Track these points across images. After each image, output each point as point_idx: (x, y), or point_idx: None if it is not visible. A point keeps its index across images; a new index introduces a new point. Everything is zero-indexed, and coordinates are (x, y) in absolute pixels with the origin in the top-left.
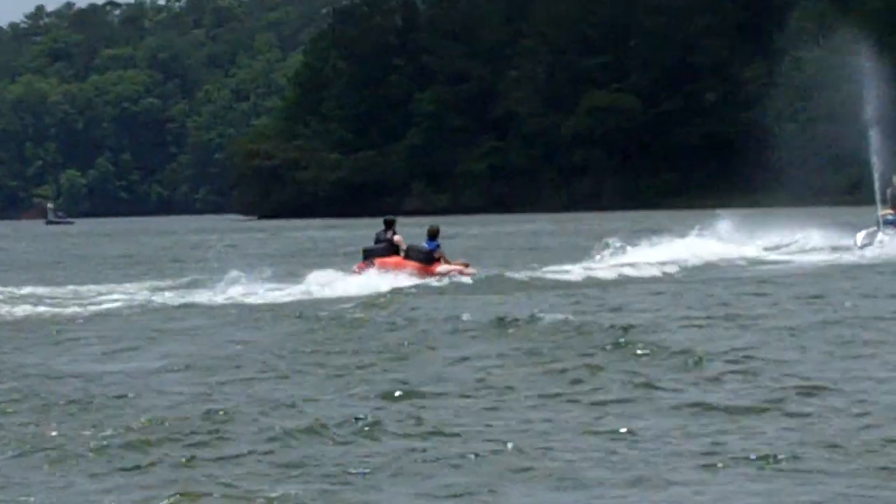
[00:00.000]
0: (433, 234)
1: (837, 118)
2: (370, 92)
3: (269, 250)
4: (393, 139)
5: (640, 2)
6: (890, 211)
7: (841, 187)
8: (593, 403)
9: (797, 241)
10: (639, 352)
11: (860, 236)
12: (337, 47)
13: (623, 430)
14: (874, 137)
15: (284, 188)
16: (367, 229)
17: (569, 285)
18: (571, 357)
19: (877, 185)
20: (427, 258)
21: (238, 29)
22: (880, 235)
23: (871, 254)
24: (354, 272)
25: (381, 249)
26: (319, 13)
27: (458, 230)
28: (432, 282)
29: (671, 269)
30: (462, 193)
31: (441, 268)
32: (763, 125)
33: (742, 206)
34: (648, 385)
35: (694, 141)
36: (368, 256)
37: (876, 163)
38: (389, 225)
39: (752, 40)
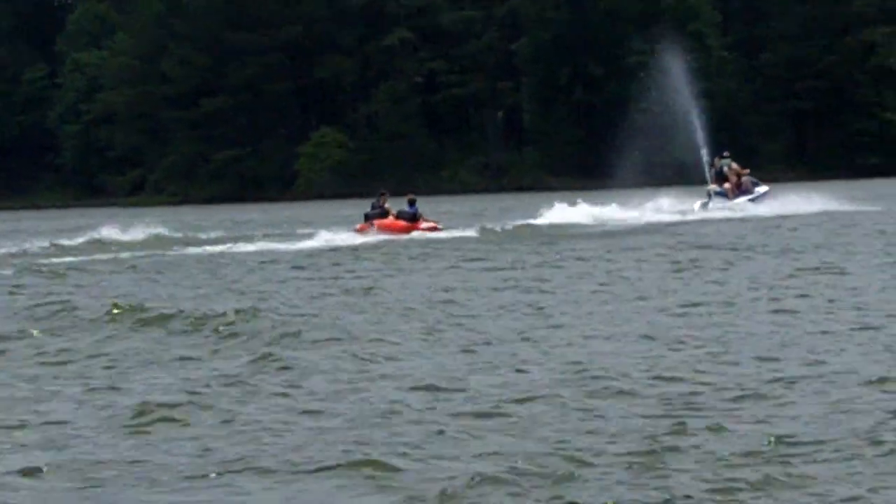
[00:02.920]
0: (412, 201)
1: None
2: None
3: None
4: None
5: None
6: (715, 185)
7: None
8: None
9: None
10: None
11: (697, 205)
12: None
13: None
14: (696, 122)
15: None
16: None
17: None
18: None
19: (706, 165)
20: (413, 217)
21: None
22: (711, 203)
23: (716, 215)
24: (356, 230)
25: (377, 214)
26: None
27: None
28: (418, 235)
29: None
30: None
31: (424, 224)
32: (44, 127)
33: (23, 209)
34: None
35: None
36: (368, 219)
37: (702, 144)
38: (382, 195)
39: (32, 42)
